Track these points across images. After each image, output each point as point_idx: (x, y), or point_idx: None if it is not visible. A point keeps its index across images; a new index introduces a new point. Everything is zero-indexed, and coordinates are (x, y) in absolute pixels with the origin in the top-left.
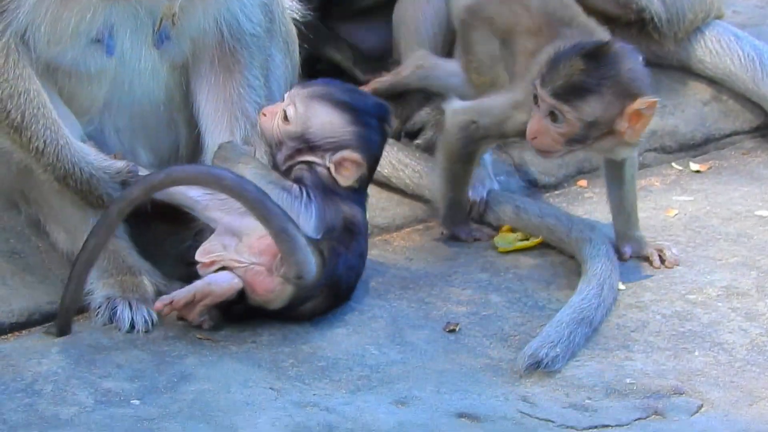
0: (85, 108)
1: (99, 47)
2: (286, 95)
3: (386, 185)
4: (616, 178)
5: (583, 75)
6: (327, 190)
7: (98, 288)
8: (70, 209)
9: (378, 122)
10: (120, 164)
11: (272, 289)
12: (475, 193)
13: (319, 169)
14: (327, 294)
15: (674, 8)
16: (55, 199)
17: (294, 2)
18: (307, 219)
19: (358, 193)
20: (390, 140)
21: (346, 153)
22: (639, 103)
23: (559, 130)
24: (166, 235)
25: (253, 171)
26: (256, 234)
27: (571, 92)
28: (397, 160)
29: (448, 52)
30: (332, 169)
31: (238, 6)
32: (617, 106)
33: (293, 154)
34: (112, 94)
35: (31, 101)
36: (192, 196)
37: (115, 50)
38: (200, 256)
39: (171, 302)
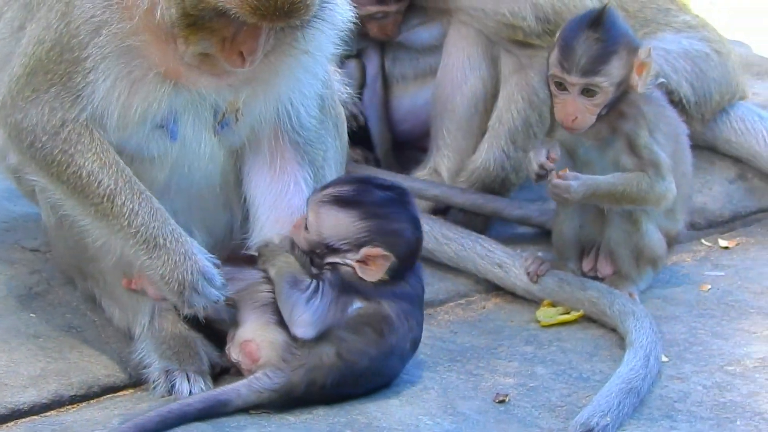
0: None
1: (163, 133)
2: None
3: (430, 260)
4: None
5: (600, 42)
6: (347, 289)
7: (155, 360)
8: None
9: (393, 209)
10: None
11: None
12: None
13: (344, 269)
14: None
15: (702, 90)
16: (111, 276)
17: (342, 85)
18: (299, 314)
19: (394, 285)
20: (433, 216)
21: (367, 250)
22: (642, 53)
23: (596, 102)
24: None
25: (274, 270)
26: (244, 335)
27: (597, 63)
28: (441, 235)
29: (482, 132)
30: (357, 269)
31: (299, 98)
32: (629, 62)
33: (321, 258)
34: (171, 177)
35: (122, 170)
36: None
37: (177, 136)
38: (227, 347)
39: None
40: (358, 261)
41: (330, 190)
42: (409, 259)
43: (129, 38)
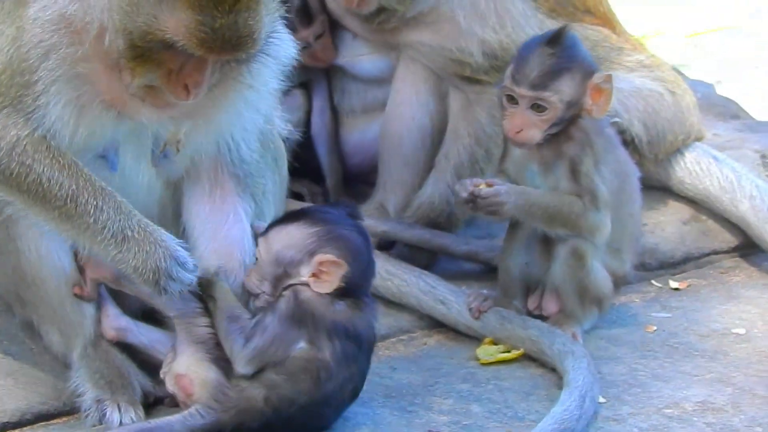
0: None
1: (103, 163)
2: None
3: (373, 295)
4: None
5: (554, 58)
6: (299, 321)
7: (89, 389)
8: (67, 309)
9: (342, 215)
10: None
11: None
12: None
13: (303, 293)
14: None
15: (655, 130)
16: (54, 299)
17: (283, 121)
18: (238, 351)
19: (347, 320)
20: (377, 251)
21: (318, 256)
22: (597, 78)
23: (544, 117)
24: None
25: (212, 303)
26: (179, 368)
27: (548, 78)
28: (384, 270)
29: (428, 167)
30: (312, 285)
31: (240, 133)
32: (583, 83)
33: (278, 283)
34: None
35: (81, 170)
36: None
37: (117, 166)
38: (162, 372)
39: None
40: (312, 275)
41: (278, 218)
42: (363, 272)
43: (78, 64)
